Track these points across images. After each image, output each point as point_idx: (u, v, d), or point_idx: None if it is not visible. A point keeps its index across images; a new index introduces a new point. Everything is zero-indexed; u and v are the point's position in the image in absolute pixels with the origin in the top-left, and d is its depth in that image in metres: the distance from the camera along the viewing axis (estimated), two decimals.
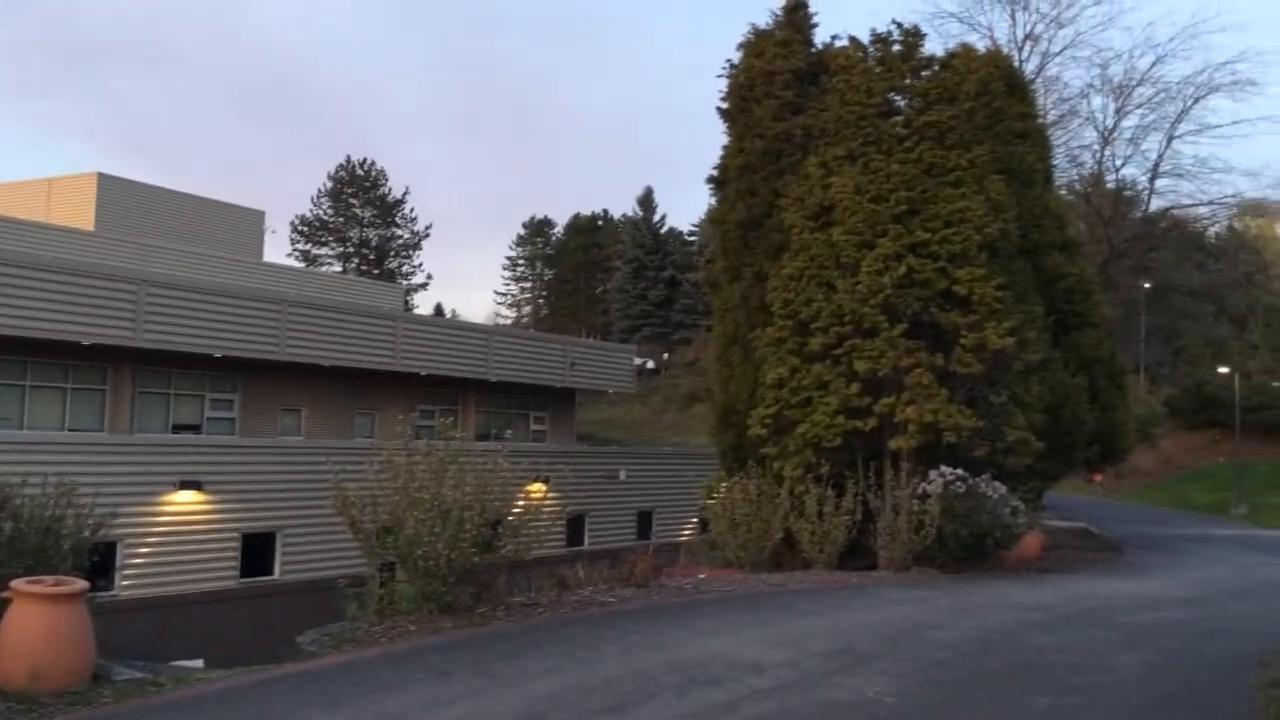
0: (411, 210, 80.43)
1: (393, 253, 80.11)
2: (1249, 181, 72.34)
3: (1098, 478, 43.13)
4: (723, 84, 21.95)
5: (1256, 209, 48.01)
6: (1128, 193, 47.49)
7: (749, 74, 21.27)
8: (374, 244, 79.52)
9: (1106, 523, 31.54)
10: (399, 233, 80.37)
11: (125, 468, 21.08)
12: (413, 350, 30.03)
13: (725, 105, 21.98)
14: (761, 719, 6.88)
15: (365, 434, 29.67)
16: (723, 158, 22.18)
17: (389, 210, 79.73)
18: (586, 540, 30.27)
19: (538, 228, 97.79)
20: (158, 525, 21.56)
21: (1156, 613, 12.45)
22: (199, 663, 16.46)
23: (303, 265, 70.83)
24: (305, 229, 77.49)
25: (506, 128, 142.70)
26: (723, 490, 18.74)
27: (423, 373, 30.34)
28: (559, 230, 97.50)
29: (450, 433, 11.28)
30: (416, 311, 69.67)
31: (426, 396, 31.79)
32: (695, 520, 30.23)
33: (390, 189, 79.78)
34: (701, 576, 15.99)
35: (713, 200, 22.93)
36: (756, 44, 21.55)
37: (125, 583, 20.80)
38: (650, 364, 70.51)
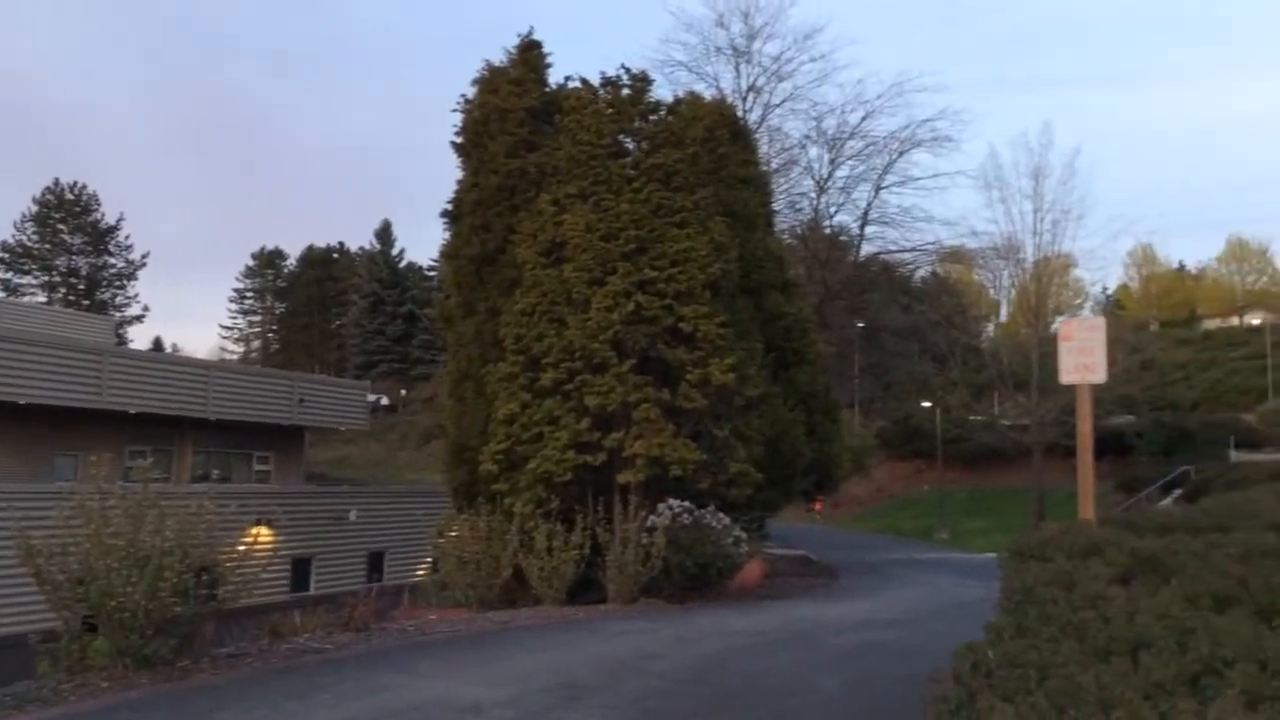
0: (127, 238, 75.39)
1: (105, 283, 74.73)
2: (947, 230, 78.66)
3: (818, 506, 45.48)
4: (458, 119, 21.91)
5: (954, 256, 52.31)
6: (842, 238, 50.74)
7: (484, 110, 21.30)
8: (84, 273, 73.95)
9: (825, 549, 33.19)
10: (112, 261, 75.10)
11: None
12: (122, 387, 28.00)
13: (460, 140, 21.91)
14: None
15: (67, 477, 27.28)
16: (457, 192, 22.07)
17: (101, 237, 74.38)
18: (313, 585, 29.02)
19: (268, 259, 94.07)
20: None
21: (862, 634, 13.18)
22: None
23: (1, 295, 64.94)
24: (6, 256, 71.19)
25: (236, 157, 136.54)
26: (454, 529, 18.48)
27: (133, 411, 28.34)
28: (291, 262, 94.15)
29: (150, 474, 10.53)
30: (132, 345, 65.21)
31: (138, 436, 29.68)
32: (429, 560, 29.64)
33: (103, 215, 74.56)
34: (432, 618, 15.65)
35: (448, 235, 22.71)
36: (491, 80, 21.63)
37: None
38: (385, 400, 68.92)
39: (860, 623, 14.69)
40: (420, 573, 30.43)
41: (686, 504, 18.00)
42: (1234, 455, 45.14)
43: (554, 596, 16.96)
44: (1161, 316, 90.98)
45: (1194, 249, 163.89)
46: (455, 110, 21.92)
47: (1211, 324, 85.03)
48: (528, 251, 19.43)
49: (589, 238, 18.73)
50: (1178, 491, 38.98)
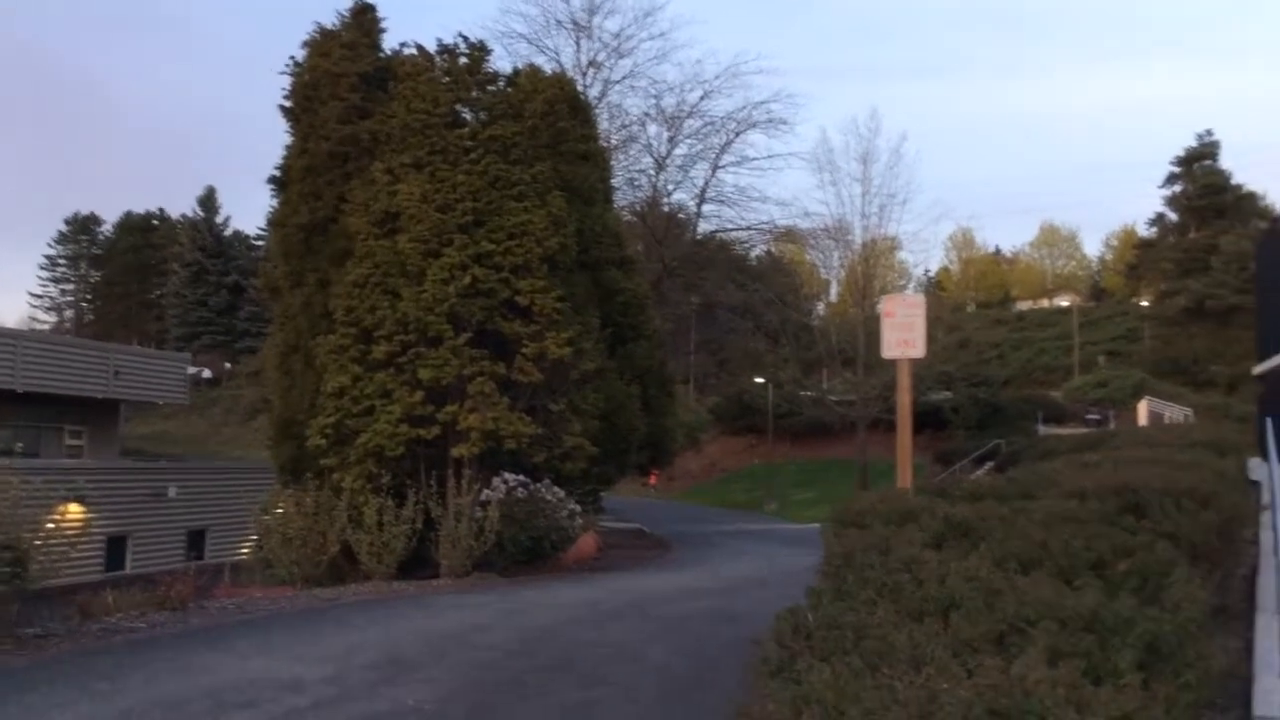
0: None
1: None
2: (781, 210, 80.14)
3: (652, 480, 46.03)
4: (287, 82, 21.14)
5: (788, 236, 53.39)
6: (680, 216, 51.15)
7: (314, 74, 20.62)
8: None
9: (658, 522, 33.67)
10: None
11: None
12: None
13: (289, 104, 21.15)
14: None
15: None
16: (286, 158, 21.33)
17: None
18: (129, 563, 27.73)
19: (82, 225, 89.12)
20: None
21: (690, 603, 13.39)
22: None
23: None
24: None
25: (49, 119, 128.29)
26: (279, 505, 17.94)
27: None
28: (108, 229, 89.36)
29: None
30: None
31: None
32: (253, 538, 28.71)
33: None
34: (256, 595, 15.17)
35: (276, 202, 21.91)
36: (322, 44, 20.92)
37: None
38: (208, 374, 66.28)
39: (689, 592, 14.93)
40: (244, 551, 29.46)
41: (521, 478, 17.96)
42: (1042, 429, 47.77)
43: (384, 572, 16.67)
44: (978, 298, 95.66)
45: (1009, 234, 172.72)
46: (284, 73, 21.16)
47: (1024, 305, 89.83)
48: (360, 221, 18.95)
49: (424, 208, 18.39)
50: (990, 463, 40.99)
